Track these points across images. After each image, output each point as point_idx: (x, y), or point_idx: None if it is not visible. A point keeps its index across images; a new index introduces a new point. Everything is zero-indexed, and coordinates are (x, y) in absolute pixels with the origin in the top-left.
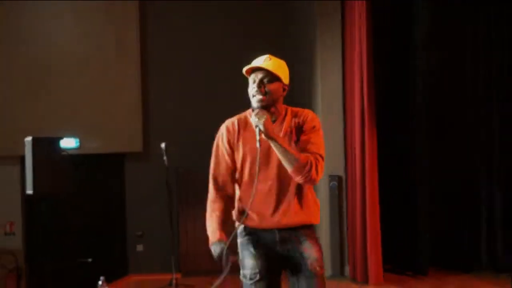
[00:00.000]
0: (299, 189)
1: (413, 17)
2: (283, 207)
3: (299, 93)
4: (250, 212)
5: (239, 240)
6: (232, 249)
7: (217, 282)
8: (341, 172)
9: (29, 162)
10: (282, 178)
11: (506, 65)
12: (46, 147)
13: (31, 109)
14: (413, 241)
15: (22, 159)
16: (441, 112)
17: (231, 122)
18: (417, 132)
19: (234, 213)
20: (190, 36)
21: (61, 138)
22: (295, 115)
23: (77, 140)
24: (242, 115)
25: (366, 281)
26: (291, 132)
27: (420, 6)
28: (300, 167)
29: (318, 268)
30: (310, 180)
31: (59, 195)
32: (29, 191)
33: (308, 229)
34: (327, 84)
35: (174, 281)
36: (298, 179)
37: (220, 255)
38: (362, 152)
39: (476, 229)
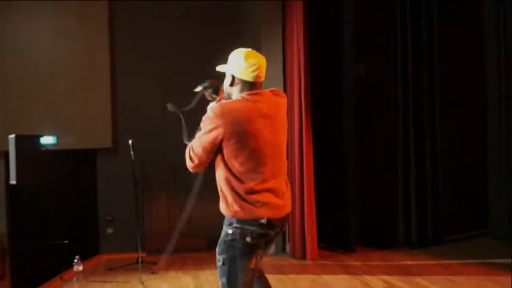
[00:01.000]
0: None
1: (341, 25)
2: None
3: None
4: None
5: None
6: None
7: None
8: None
9: (13, 156)
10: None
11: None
12: (27, 143)
13: (14, 109)
14: (343, 223)
15: (6, 153)
16: (367, 108)
17: None
18: (347, 129)
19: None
20: (153, 37)
21: (41, 135)
22: None
23: (55, 137)
24: None
25: (304, 256)
26: None
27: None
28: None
29: None
30: (188, 162)
31: (38, 185)
32: (13, 181)
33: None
34: (270, 83)
35: (140, 259)
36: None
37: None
38: (300, 146)
39: (394, 212)
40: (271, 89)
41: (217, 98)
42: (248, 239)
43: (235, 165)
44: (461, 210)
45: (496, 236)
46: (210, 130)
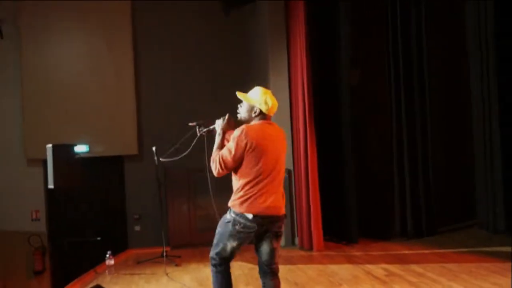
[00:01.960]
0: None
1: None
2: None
3: None
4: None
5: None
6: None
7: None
8: (290, 166)
9: (50, 164)
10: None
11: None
12: (63, 151)
13: (52, 122)
14: (345, 217)
15: (44, 161)
16: (362, 113)
17: None
18: (345, 137)
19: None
20: (173, 51)
21: (75, 144)
22: None
23: (87, 146)
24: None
25: (311, 248)
26: None
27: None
28: (213, 155)
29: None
30: (214, 168)
31: (73, 189)
32: (50, 186)
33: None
34: (277, 99)
35: (164, 253)
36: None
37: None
38: (305, 151)
39: (391, 206)
40: (276, 124)
41: (204, 133)
42: (237, 227)
43: (245, 170)
44: (452, 204)
45: (482, 227)
46: (240, 140)
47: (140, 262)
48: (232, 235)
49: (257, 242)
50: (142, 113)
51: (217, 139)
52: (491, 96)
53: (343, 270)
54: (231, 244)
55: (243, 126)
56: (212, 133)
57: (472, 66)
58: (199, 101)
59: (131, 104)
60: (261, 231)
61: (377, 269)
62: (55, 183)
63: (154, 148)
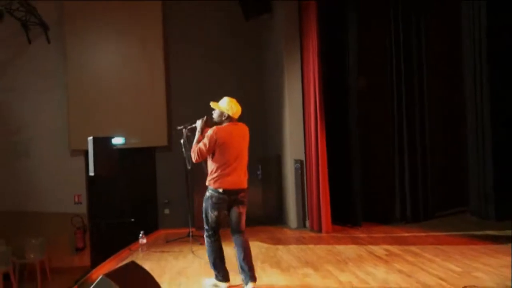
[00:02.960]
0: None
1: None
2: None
3: (274, 103)
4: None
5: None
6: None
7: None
8: (302, 157)
9: (91, 154)
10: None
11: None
12: (102, 143)
13: (93, 116)
14: (351, 202)
15: (85, 152)
16: (367, 110)
17: None
18: (352, 128)
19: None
20: (197, 52)
21: (113, 137)
22: None
23: (123, 138)
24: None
25: (320, 230)
26: None
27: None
28: (193, 147)
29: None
30: (193, 157)
31: (111, 176)
32: (91, 173)
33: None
34: (291, 97)
35: (191, 233)
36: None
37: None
38: (315, 143)
39: (392, 193)
40: (242, 123)
41: (189, 132)
42: (213, 199)
43: (217, 158)
44: (447, 191)
45: (474, 213)
46: (212, 138)
47: (169, 241)
48: (212, 207)
49: (228, 209)
50: (171, 107)
51: (197, 135)
52: (484, 86)
53: (348, 250)
54: (213, 214)
55: (214, 127)
56: (194, 131)
57: (466, 58)
58: (222, 95)
59: (162, 99)
60: (230, 201)
61: (379, 249)
62: (95, 171)
63: (182, 140)
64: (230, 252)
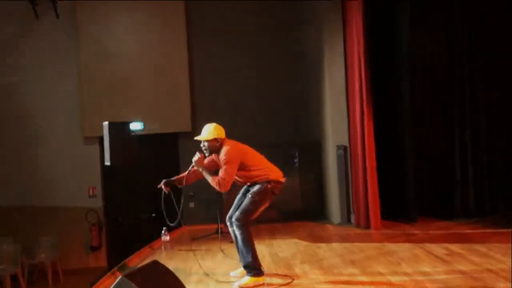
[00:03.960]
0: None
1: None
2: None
3: (312, 84)
4: None
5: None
6: (168, 183)
7: None
8: (345, 142)
9: (107, 141)
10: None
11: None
12: (119, 129)
13: (108, 100)
14: (404, 194)
15: (100, 139)
16: (423, 93)
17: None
18: (403, 112)
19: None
20: (225, 31)
21: (130, 122)
22: (222, 147)
23: (142, 123)
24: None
25: (368, 226)
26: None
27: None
28: (212, 183)
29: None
30: (220, 189)
31: (129, 166)
32: (107, 163)
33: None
34: (333, 77)
35: (219, 230)
36: (215, 187)
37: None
38: (361, 128)
39: (452, 184)
40: None
41: (198, 156)
42: (275, 190)
43: (251, 161)
44: None
45: None
46: (233, 159)
47: (195, 239)
48: (268, 198)
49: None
50: (195, 90)
51: (204, 173)
52: None
53: (402, 249)
54: (264, 205)
55: (226, 151)
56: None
57: None
58: (250, 76)
59: (185, 82)
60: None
61: (438, 248)
62: (111, 160)
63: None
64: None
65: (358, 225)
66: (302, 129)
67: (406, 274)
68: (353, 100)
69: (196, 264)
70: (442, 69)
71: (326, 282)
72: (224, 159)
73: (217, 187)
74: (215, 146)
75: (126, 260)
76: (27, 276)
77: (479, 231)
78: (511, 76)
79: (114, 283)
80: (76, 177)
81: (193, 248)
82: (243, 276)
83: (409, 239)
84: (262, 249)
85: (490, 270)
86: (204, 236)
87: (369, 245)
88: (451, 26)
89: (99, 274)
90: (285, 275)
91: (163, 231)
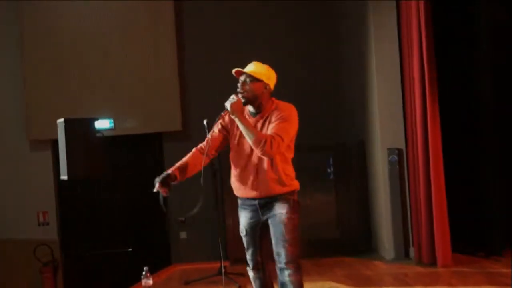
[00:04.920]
0: (272, 164)
1: None
2: (258, 180)
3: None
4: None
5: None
6: (165, 181)
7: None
8: (401, 145)
9: (62, 145)
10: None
11: None
12: (79, 128)
13: (63, 90)
14: (484, 220)
15: (54, 142)
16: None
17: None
18: (484, 100)
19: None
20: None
21: (95, 118)
22: (276, 108)
23: (111, 121)
24: None
25: (433, 263)
26: (267, 118)
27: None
28: (256, 141)
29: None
30: (266, 154)
31: (94, 179)
32: (63, 176)
33: (281, 197)
34: (383, 60)
35: (223, 269)
36: (257, 152)
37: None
38: (423, 124)
39: None
40: None
41: (235, 99)
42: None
43: (292, 148)
44: None
45: None
46: (296, 123)
47: (189, 282)
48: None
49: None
50: (186, 79)
51: (242, 124)
52: None
53: None
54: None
55: (289, 105)
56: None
57: None
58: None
59: (172, 68)
60: None
61: None
62: (69, 172)
63: (205, 121)
64: None
65: (420, 262)
66: (338, 127)
67: None
68: (411, 90)
69: None
70: None
71: None
72: (284, 116)
73: (263, 148)
74: (259, 92)
75: None
76: None
77: None
78: None
79: None
80: (20, 197)
81: None
82: None
83: (492, 279)
84: None
85: None
86: (201, 279)
87: None
88: None
89: None
90: None
91: (143, 272)
